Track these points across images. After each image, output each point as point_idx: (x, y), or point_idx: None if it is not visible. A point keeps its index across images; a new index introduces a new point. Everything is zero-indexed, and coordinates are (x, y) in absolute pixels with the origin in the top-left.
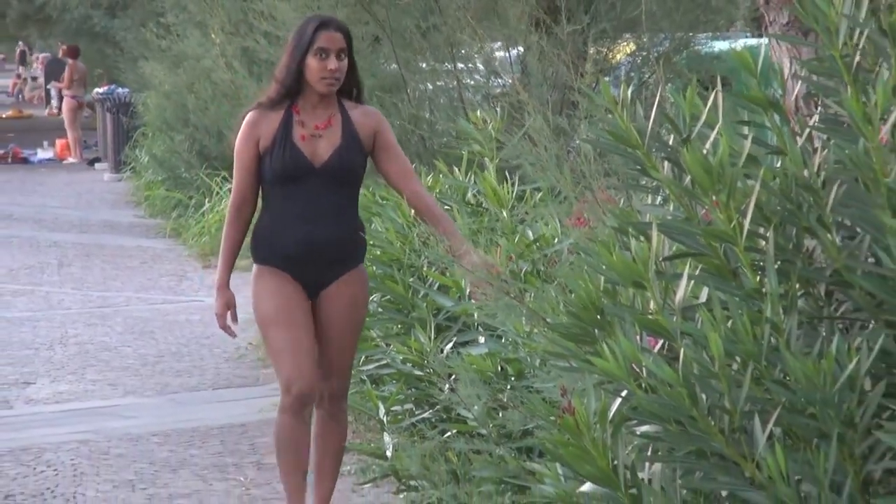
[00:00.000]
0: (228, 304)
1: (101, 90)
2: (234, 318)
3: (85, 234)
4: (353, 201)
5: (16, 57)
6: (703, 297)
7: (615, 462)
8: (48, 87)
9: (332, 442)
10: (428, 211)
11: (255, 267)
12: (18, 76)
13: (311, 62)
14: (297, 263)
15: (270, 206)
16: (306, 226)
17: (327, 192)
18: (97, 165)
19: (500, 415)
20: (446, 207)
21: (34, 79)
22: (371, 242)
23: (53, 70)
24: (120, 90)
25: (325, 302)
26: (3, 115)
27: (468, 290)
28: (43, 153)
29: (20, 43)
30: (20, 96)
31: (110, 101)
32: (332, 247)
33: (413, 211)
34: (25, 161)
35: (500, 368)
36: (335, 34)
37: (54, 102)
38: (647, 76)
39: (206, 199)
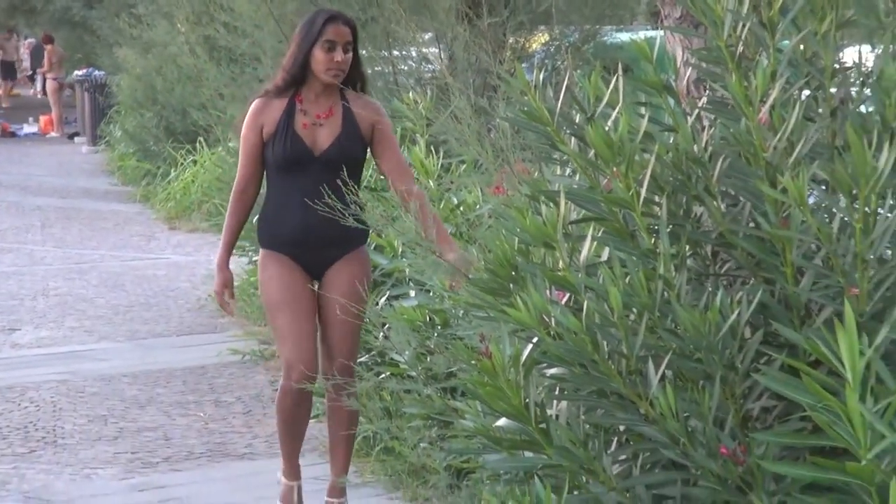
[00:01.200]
0: (226, 283)
1: (79, 73)
2: (232, 296)
3: (65, 199)
4: (353, 187)
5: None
6: (605, 257)
7: (527, 400)
8: (33, 72)
9: (339, 424)
10: (420, 209)
11: (260, 251)
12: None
13: (318, 53)
14: (298, 247)
15: (273, 192)
16: (305, 211)
17: (326, 177)
18: (76, 139)
19: (428, 359)
20: (381, 177)
21: (20, 62)
22: None
23: (38, 54)
24: (97, 73)
25: (327, 284)
26: None
27: (449, 284)
28: (28, 128)
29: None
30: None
31: (88, 83)
32: (330, 231)
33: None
34: (13, 135)
35: (428, 318)
36: (343, 28)
37: (38, 86)
38: (558, 63)
39: (172, 169)
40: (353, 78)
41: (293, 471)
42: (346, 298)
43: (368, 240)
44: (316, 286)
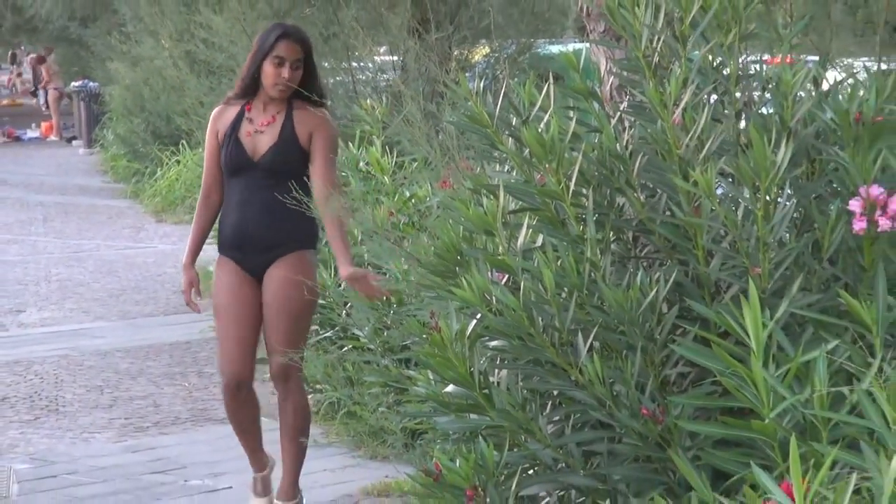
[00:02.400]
0: (191, 283)
1: (76, 84)
2: (199, 294)
3: (64, 195)
4: (291, 193)
5: (8, 58)
6: (539, 242)
7: (472, 369)
8: (36, 87)
9: (286, 421)
10: (326, 218)
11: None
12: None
13: (268, 68)
14: (236, 250)
15: (224, 196)
16: (241, 215)
17: (264, 184)
18: (74, 142)
19: (385, 334)
20: (343, 174)
21: (19, 75)
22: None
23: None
24: (91, 84)
25: (264, 285)
26: (2, 103)
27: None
28: (31, 133)
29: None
30: (14, 89)
31: (84, 93)
32: (262, 234)
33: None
34: (18, 139)
35: (385, 298)
36: (294, 45)
37: (41, 100)
38: (497, 73)
39: (159, 169)
40: (310, 92)
41: (255, 462)
42: (279, 300)
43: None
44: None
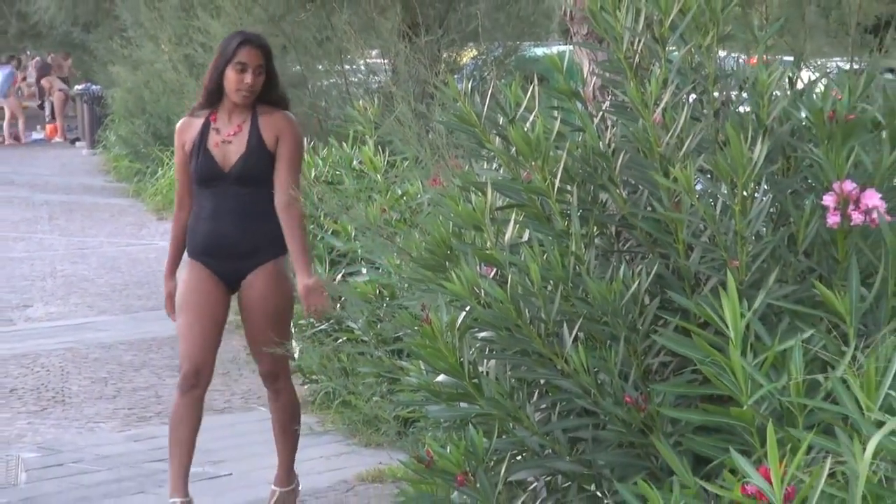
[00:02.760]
0: (171, 294)
1: (79, 87)
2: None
3: (68, 195)
4: (263, 200)
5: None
6: (525, 237)
7: (462, 359)
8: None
9: (279, 417)
10: (286, 224)
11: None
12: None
13: (230, 74)
14: (211, 257)
15: (194, 205)
16: (216, 224)
17: (236, 193)
18: (77, 144)
19: (378, 326)
20: (337, 172)
21: (24, 79)
22: None
23: (43, 71)
24: (94, 87)
25: (242, 292)
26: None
27: (304, 307)
28: (36, 135)
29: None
30: (20, 92)
31: (87, 96)
32: (237, 243)
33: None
34: (17, 140)
35: (378, 291)
36: (255, 51)
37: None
38: (485, 74)
39: (159, 168)
40: (272, 97)
41: (175, 487)
42: (259, 307)
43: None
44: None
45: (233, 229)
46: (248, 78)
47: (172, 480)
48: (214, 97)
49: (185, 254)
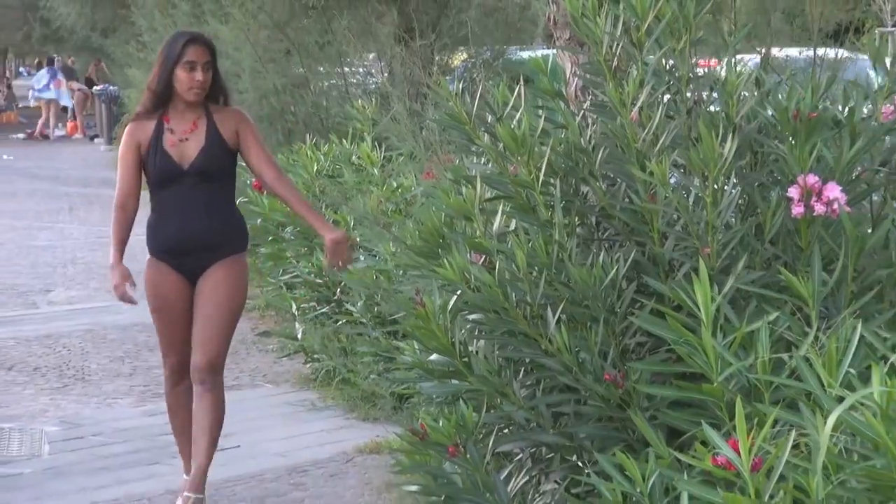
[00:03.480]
0: (125, 277)
1: (98, 88)
2: (133, 285)
3: (87, 187)
4: (226, 196)
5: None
6: (512, 227)
7: (453, 340)
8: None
9: (203, 416)
10: (288, 197)
11: (147, 256)
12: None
13: (180, 74)
14: (176, 254)
15: (154, 204)
16: (180, 221)
17: (198, 189)
18: (96, 140)
19: (376, 309)
20: (337, 167)
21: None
22: None
23: (65, 74)
24: (111, 88)
25: (199, 286)
26: (32, 106)
27: (325, 261)
28: (58, 132)
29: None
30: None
31: (105, 96)
32: (204, 237)
33: (275, 193)
34: (46, 137)
35: (375, 277)
36: (202, 48)
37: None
38: (474, 76)
39: None
40: (216, 93)
41: (187, 466)
42: (213, 296)
43: (248, 247)
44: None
45: (199, 225)
46: (199, 75)
47: (185, 460)
48: (164, 99)
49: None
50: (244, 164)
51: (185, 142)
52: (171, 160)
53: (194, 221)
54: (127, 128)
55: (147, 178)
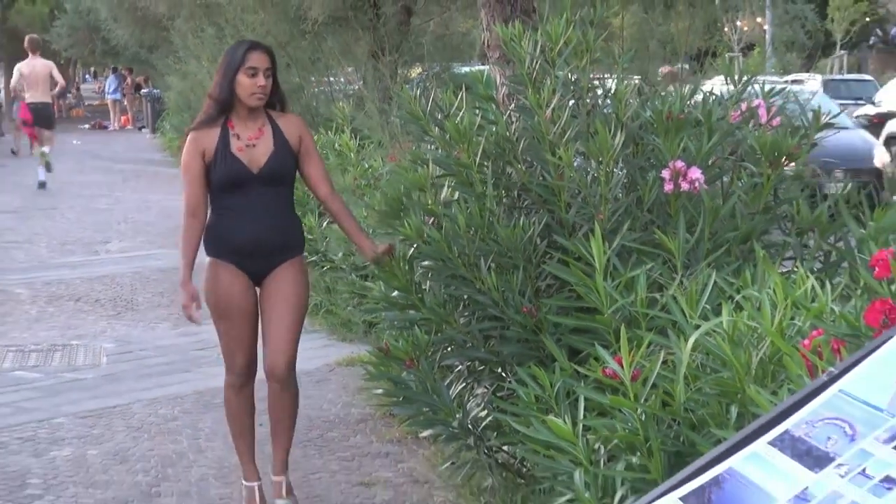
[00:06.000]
0: (193, 297)
1: (144, 91)
2: (199, 306)
3: (136, 165)
4: (290, 199)
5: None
6: (455, 197)
7: (410, 281)
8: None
9: (284, 410)
10: (337, 214)
11: (208, 259)
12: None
13: (242, 79)
14: (246, 256)
15: (219, 208)
16: (252, 224)
17: (265, 193)
18: (143, 130)
19: (352, 259)
20: (323, 152)
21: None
22: None
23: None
24: (155, 91)
25: (267, 287)
26: (96, 104)
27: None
28: (113, 124)
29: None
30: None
31: (150, 97)
32: (274, 240)
33: (325, 207)
34: (104, 128)
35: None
36: (263, 55)
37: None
38: (428, 85)
39: None
40: (274, 100)
41: (251, 472)
42: (286, 300)
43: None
44: (258, 291)
45: (270, 228)
46: (261, 80)
47: (245, 466)
48: (226, 106)
49: (207, 254)
50: (300, 174)
51: (253, 147)
52: (242, 164)
53: (264, 224)
54: (189, 136)
55: (212, 184)
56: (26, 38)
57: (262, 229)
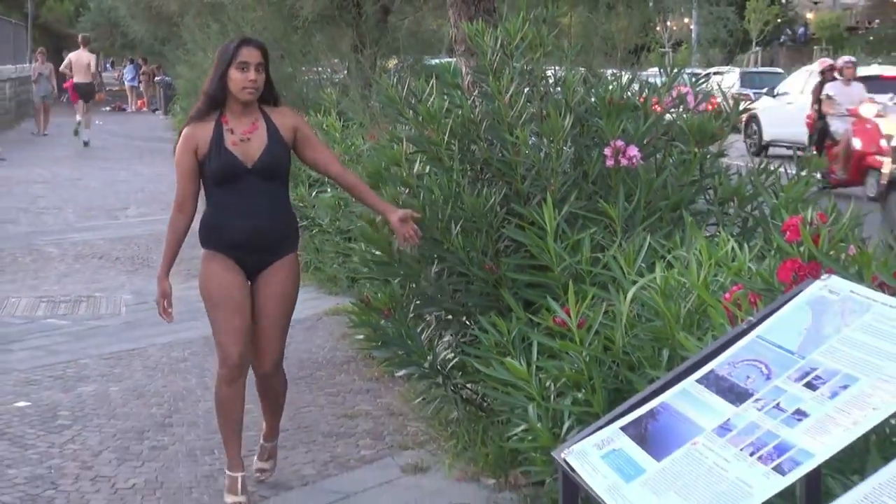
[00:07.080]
0: (165, 294)
1: (158, 78)
2: (170, 305)
3: (150, 142)
4: (285, 194)
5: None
6: (427, 170)
7: (388, 242)
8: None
9: (274, 397)
10: (354, 187)
11: (203, 251)
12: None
13: (234, 74)
14: (241, 250)
15: (214, 203)
16: (247, 217)
17: (261, 186)
18: (156, 112)
19: (337, 223)
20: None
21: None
22: None
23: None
24: (167, 78)
25: (262, 283)
26: (115, 89)
27: (397, 244)
28: (130, 107)
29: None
30: (122, 82)
31: (163, 83)
32: (270, 233)
33: (340, 186)
34: (123, 110)
35: (337, 202)
36: (254, 50)
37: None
38: (403, 74)
39: None
40: (267, 96)
41: (235, 463)
42: (280, 297)
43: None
44: (250, 285)
45: (266, 222)
46: (252, 75)
47: (230, 456)
48: (218, 101)
49: (203, 247)
50: (300, 160)
51: (248, 141)
52: (236, 158)
53: (257, 219)
54: (183, 132)
55: (204, 178)
56: (80, 35)
57: (256, 223)
